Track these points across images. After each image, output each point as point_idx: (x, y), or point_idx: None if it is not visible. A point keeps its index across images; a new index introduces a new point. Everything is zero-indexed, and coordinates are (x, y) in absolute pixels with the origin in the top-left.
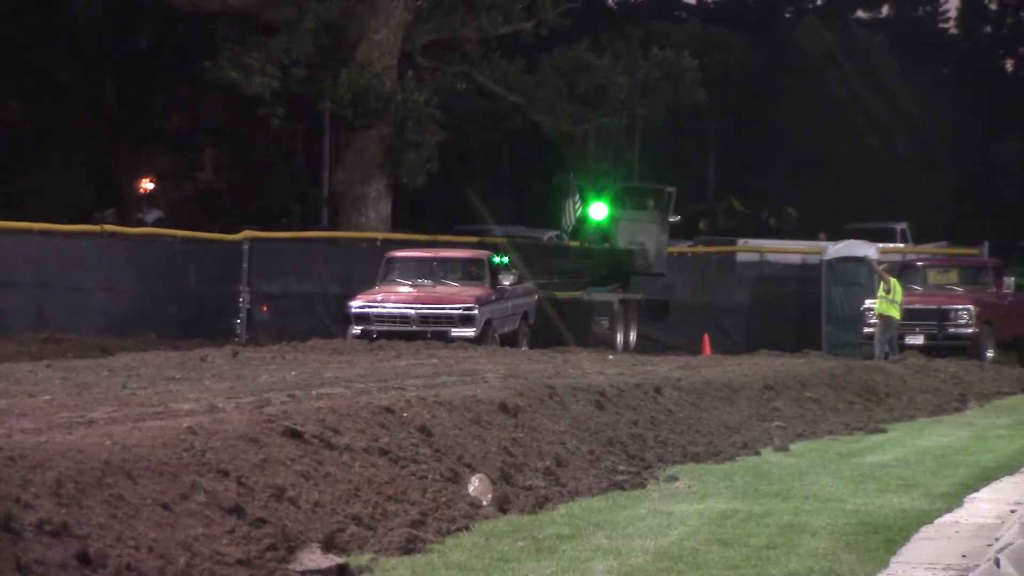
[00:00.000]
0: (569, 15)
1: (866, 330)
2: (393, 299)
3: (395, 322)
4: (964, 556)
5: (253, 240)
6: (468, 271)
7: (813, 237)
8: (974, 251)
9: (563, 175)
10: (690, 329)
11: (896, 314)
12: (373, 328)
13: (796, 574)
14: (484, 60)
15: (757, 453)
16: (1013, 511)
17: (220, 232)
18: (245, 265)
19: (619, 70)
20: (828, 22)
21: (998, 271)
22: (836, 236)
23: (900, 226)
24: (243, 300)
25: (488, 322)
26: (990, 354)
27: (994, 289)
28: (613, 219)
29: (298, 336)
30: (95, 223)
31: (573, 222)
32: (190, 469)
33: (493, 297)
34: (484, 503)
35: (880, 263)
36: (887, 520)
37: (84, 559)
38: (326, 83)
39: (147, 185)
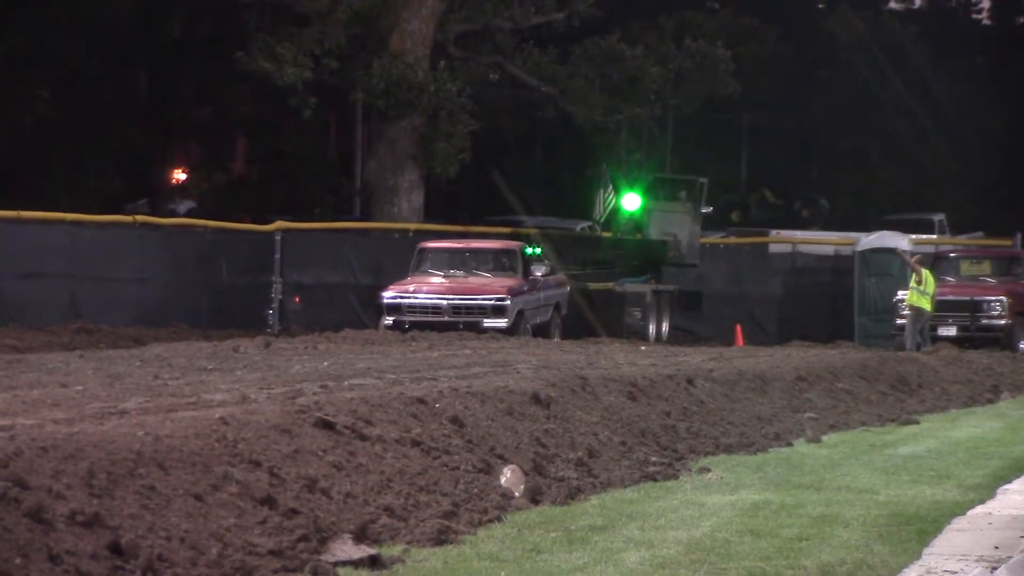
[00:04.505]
0: (601, 5)
1: (898, 321)
2: (425, 290)
3: (427, 313)
4: (997, 547)
5: (285, 231)
6: (500, 262)
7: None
8: (1007, 242)
9: (595, 166)
10: (723, 320)
11: (927, 305)
12: (405, 319)
13: (828, 565)
14: (517, 50)
15: (790, 444)
16: None
17: (252, 223)
18: (277, 256)
19: (652, 61)
20: (861, 13)
21: None
22: (857, 228)
23: (937, 217)
24: (275, 291)
25: (520, 313)
26: (1023, 345)
27: None
28: (646, 210)
29: (330, 327)
30: (127, 213)
31: (605, 213)
32: (222, 460)
33: (525, 288)
34: (516, 494)
35: (912, 254)
36: (920, 511)
37: (116, 550)
38: (359, 73)
39: (179, 176)
